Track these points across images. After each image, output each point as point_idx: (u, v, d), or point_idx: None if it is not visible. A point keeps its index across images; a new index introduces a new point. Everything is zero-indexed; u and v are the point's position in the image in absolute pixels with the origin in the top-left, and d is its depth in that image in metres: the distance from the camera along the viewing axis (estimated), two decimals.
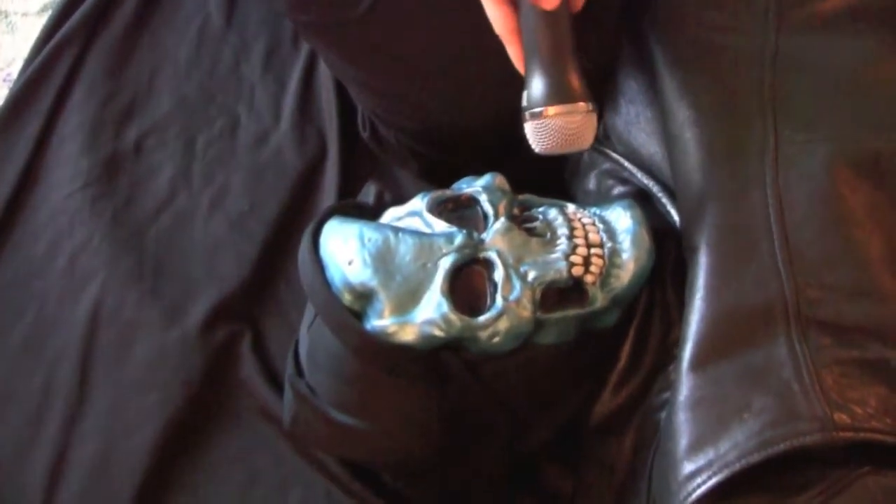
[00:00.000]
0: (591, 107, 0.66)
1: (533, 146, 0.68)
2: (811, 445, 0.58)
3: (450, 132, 0.92)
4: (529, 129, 0.67)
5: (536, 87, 0.67)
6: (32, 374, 0.89)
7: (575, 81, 0.66)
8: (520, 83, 0.68)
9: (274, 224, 0.99)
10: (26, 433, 0.86)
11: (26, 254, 0.97)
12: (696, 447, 0.62)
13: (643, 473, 0.70)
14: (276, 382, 0.88)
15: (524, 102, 0.68)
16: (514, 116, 0.69)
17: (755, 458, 0.59)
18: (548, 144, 0.67)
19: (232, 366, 0.90)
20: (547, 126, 0.66)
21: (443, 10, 0.67)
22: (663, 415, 0.70)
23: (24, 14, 1.21)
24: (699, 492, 0.60)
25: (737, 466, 0.59)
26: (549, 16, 0.65)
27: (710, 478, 0.60)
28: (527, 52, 0.67)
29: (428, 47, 0.84)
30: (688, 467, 0.61)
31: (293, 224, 0.99)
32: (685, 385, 0.64)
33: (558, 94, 0.66)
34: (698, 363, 0.64)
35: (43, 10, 1.20)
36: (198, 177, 1.02)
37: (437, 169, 0.98)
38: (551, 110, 0.66)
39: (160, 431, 0.85)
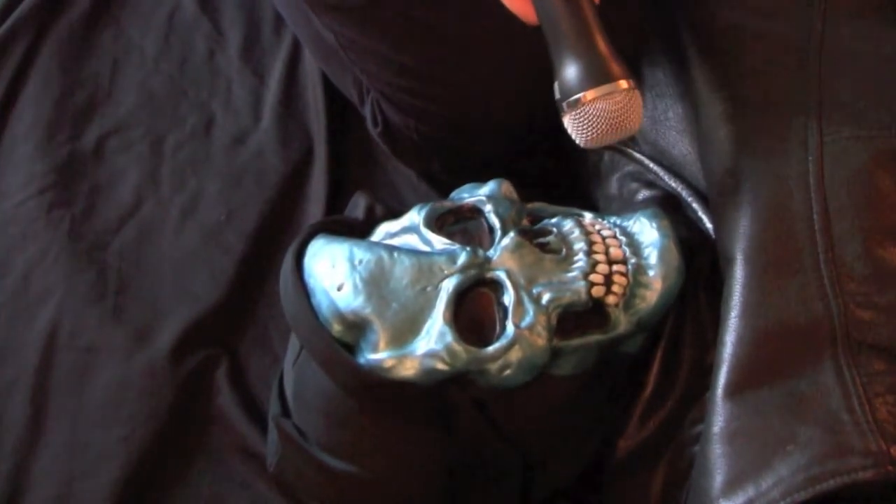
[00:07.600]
0: (632, 84, 0.64)
1: (576, 140, 0.66)
2: (864, 482, 0.56)
3: (482, 118, 0.89)
4: (569, 121, 0.65)
5: (569, 73, 0.64)
6: None
7: (610, 59, 0.64)
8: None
9: (253, 236, 0.96)
10: None
11: None
12: (734, 484, 0.59)
13: None
14: (256, 415, 0.84)
15: (557, 95, 0.65)
16: (547, 104, 0.66)
17: (802, 495, 0.56)
18: (592, 134, 0.64)
19: (206, 396, 0.86)
20: (588, 113, 0.64)
21: None
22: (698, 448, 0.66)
23: None
24: None
25: None
26: None
27: None
28: (552, 40, 0.65)
29: (463, 26, 0.83)
30: None
31: (275, 236, 0.95)
32: (720, 414, 0.62)
33: (594, 75, 0.64)
34: (735, 390, 0.62)
35: None
36: (167, 182, 0.99)
37: (458, 164, 0.95)
38: (589, 94, 0.63)
39: (124, 471, 0.81)
